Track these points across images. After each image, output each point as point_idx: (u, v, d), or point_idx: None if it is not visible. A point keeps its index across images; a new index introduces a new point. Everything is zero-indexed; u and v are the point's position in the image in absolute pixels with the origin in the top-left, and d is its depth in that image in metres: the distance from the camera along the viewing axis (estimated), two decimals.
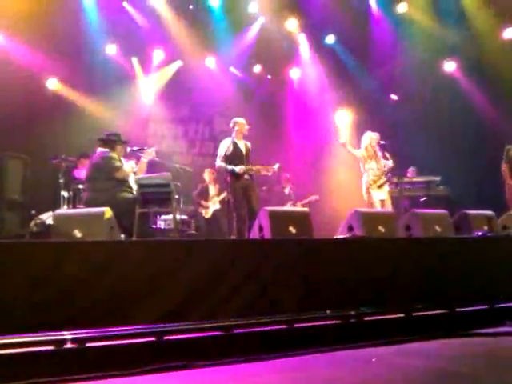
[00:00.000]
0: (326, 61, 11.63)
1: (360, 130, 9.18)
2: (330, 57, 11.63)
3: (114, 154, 6.11)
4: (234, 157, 6.90)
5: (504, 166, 8.17)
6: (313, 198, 10.13)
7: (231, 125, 7.15)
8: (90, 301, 3.39)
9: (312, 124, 11.79)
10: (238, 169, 6.84)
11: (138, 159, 7.27)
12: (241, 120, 7.15)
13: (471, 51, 10.17)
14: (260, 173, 7.14)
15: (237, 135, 7.03)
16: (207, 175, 9.75)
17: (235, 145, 6.98)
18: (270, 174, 7.32)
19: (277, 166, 7.19)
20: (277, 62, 11.89)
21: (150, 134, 11.41)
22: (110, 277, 3.51)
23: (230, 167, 6.80)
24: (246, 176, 6.92)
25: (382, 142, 7.84)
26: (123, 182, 6.10)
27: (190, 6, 10.87)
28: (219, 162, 7.01)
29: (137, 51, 10.83)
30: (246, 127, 7.10)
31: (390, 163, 7.72)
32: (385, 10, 10.97)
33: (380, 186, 7.63)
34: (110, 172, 5.90)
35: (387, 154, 7.75)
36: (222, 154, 6.90)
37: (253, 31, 11.39)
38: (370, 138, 7.84)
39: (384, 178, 7.67)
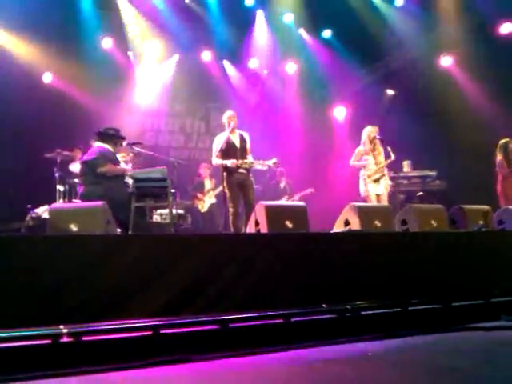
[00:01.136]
0: (323, 55, 11.60)
1: (356, 124, 9.19)
2: (326, 51, 11.60)
3: (105, 149, 6.10)
4: (228, 151, 6.87)
5: (500, 159, 8.15)
6: (308, 190, 10.14)
7: (223, 120, 7.13)
8: (86, 295, 3.38)
9: (308, 118, 11.77)
10: (230, 163, 6.81)
11: (134, 154, 7.31)
12: (229, 113, 7.11)
13: (468, 46, 10.16)
14: (254, 166, 7.10)
15: (229, 128, 6.98)
16: (203, 170, 9.75)
17: (228, 139, 6.93)
18: (264, 168, 7.29)
19: (273, 161, 7.13)
20: (273, 57, 11.86)
21: (146, 128, 11.39)
22: (107, 271, 3.50)
23: (223, 162, 6.82)
24: (241, 170, 6.88)
25: (379, 137, 7.83)
26: (118, 177, 6.10)
27: (186, 0, 10.82)
28: (214, 159, 7.01)
29: (132, 45, 10.78)
30: (235, 118, 7.02)
31: (391, 158, 7.72)
32: (382, 5, 10.93)
33: (376, 180, 7.62)
34: (95, 166, 5.91)
35: (389, 149, 7.73)
36: (217, 150, 6.90)
37: (249, 25, 11.36)
38: (370, 131, 7.82)
39: (381, 173, 7.66)
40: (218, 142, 6.93)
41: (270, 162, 7.11)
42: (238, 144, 6.98)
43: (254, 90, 11.91)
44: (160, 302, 3.55)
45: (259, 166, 7.14)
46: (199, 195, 9.57)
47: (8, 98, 8.58)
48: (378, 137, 7.79)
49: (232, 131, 7.00)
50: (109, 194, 5.60)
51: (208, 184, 9.68)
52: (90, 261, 3.48)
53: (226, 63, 11.75)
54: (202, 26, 10.87)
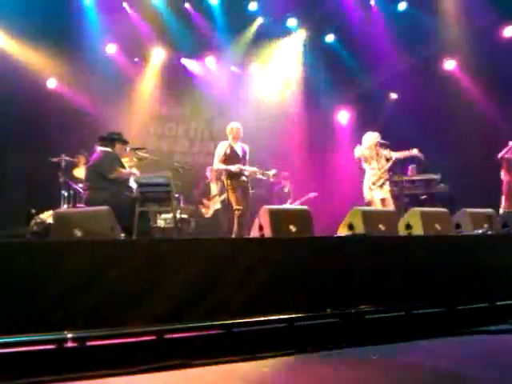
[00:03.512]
0: (326, 59, 11.61)
1: (359, 128, 9.18)
2: (329, 55, 11.61)
3: (112, 154, 6.11)
4: (232, 158, 7.04)
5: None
6: (311, 194, 10.12)
7: (227, 131, 7.25)
8: (90, 300, 3.39)
9: (311, 122, 11.77)
10: (235, 168, 6.96)
11: (138, 159, 7.34)
12: (235, 125, 7.26)
13: (471, 49, 10.15)
14: (256, 176, 7.28)
15: (232, 139, 7.17)
16: (210, 173, 9.71)
17: (232, 147, 7.12)
18: (264, 178, 7.47)
19: (272, 172, 7.38)
20: (276, 61, 11.87)
21: (150, 133, 11.41)
22: (111, 276, 3.50)
23: (227, 167, 6.95)
24: (243, 177, 7.05)
25: (383, 142, 7.79)
26: (122, 182, 6.11)
27: (186, 4, 10.82)
28: (217, 164, 7.13)
29: (136, 50, 10.82)
30: (241, 130, 7.22)
31: (391, 160, 7.70)
32: (385, 8, 10.93)
33: (381, 186, 7.59)
34: (105, 172, 5.91)
35: (388, 150, 7.71)
36: (221, 155, 7.05)
37: (252, 30, 11.38)
38: (373, 137, 7.79)
39: (384, 177, 7.63)
40: (223, 148, 7.08)
41: (270, 173, 7.36)
42: (240, 154, 7.17)
43: (257, 95, 11.90)
44: (164, 307, 3.55)
45: (260, 175, 7.34)
46: (205, 201, 9.52)
47: (12, 104, 8.63)
48: (380, 141, 7.75)
49: (234, 141, 7.18)
50: (113, 199, 5.61)
51: (214, 188, 9.63)
52: (94, 266, 3.48)
53: (229, 68, 11.76)
54: (206, 31, 10.88)
